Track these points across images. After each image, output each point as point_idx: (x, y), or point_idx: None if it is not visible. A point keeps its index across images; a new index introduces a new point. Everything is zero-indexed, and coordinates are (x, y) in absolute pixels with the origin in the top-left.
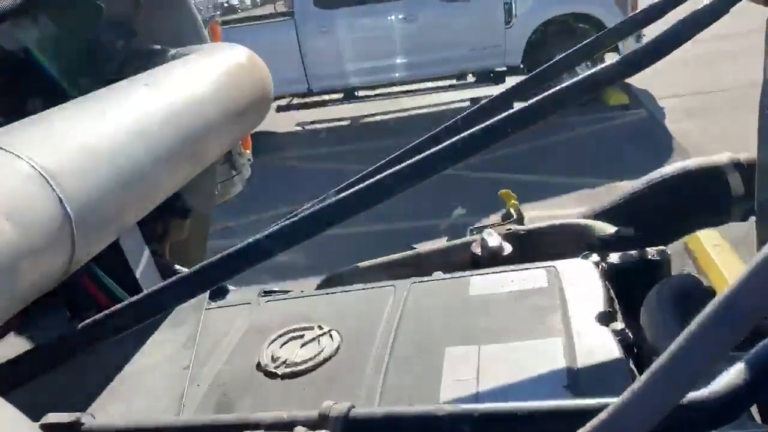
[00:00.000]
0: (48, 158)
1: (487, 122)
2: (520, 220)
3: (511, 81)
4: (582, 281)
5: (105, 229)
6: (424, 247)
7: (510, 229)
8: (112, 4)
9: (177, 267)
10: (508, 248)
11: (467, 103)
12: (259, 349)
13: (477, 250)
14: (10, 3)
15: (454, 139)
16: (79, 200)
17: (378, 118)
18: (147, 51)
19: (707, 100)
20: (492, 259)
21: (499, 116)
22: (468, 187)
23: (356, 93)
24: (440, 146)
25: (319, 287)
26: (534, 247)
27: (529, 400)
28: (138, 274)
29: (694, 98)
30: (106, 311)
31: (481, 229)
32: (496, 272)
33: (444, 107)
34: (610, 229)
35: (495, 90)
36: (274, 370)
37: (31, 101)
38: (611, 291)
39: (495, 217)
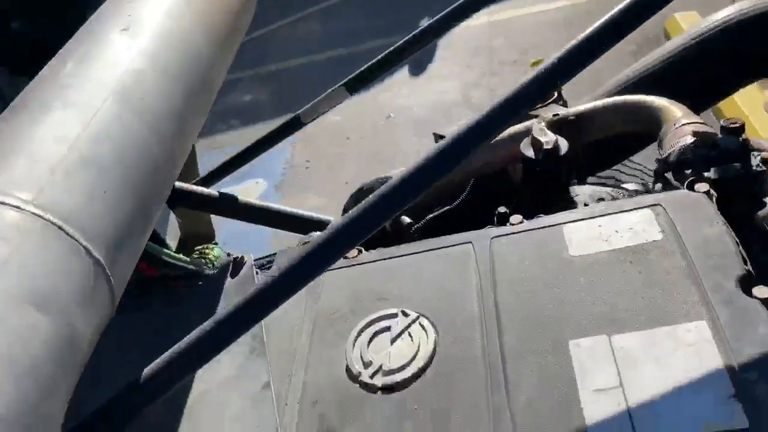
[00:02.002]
0: (49, 193)
1: None
2: (560, 96)
3: None
4: (701, 226)
5: (136, 245)
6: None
7: (557, 114)
8: None
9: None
10: (564, 145)
11: None
12: (341, 348)
13: (528, 151)
14: None
15: None
16: (103, 234)
17: None
18: None
19: None
20: (547, 161)
21: None
22: None
23: None
24: None
25: (349, 202)
26: (586, 133)
27: (693, 424)
28: None
29: None
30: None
31: None
32: (592, 216)
33: None
34: (678, 112)
35: None
36: (370, 381)
37: None
38: (734, 234)
39: None
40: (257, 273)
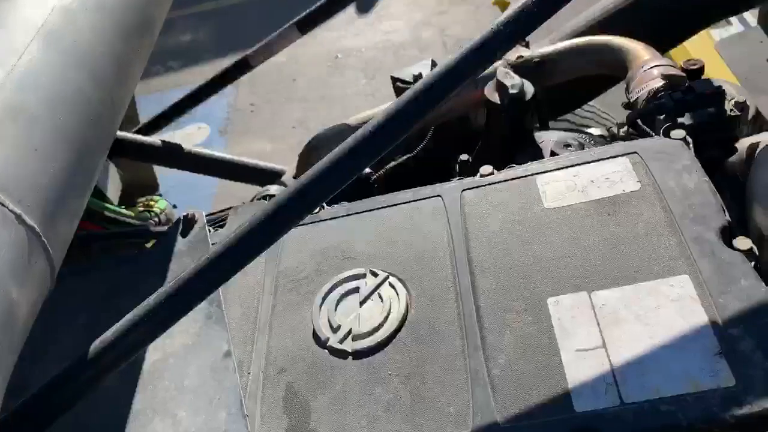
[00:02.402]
0: None
1: None
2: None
3: None
4: (680, 175)
5: (75, 207)
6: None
7: (521, 57)
8: None
9: None
10: (530, 89)
11: None
12: (306, 311)
13: (493, 96)
14: None
15: None
16: (36, 197)
17: None
18: None
19: None
20: (513, 106)
21: None
22: None
23: None
24: None
25: (304, 153)
26: (550, 76)
27: (679, 383)
28: None
29: None
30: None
31: None
32: (568, 165)
33: None
34: (645, 54)
35: None
36: (340, 346)
37: None
38: (712, 183)
39: None
40: (210, 231)
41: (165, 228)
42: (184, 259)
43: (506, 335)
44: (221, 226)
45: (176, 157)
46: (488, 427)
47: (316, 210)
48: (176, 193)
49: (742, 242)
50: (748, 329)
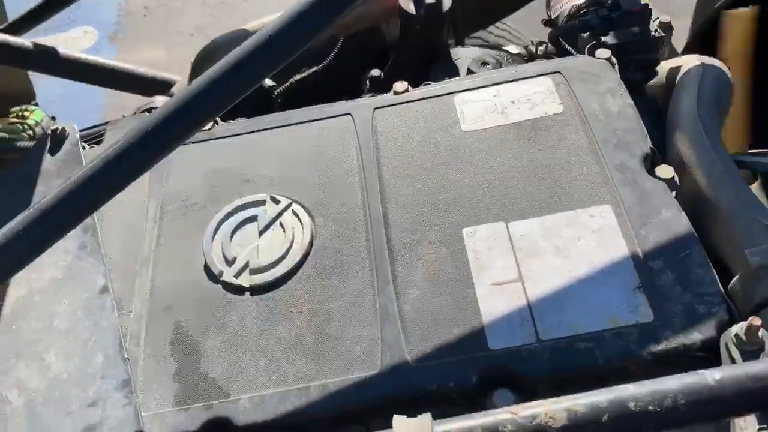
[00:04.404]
0: None
1: None
2: None
3: None
4: (604, 98)
5: None
6: None
7: None
8: None
9: None
10: (447, 1)
11: None
12: (197, 242)
13: (408, 6)
14: None
15: None
16: None
17: None
18: None
19: None
20: (429, 18)
21: None
22: None
23: None
24: None
25: (197, 61)
26: None
27: (597, 319)
28: None
29: None
30: None
31: None
32: (488, 84)
33: None
34: None
35: None
36: (236, 281)
37: None
38: (636, 109)
39: None
40: (84, 148)
41: (33, 144)
42: (53, 180)
43: (418, 268)
44: (98, 143)
45: (51, 61)
46: (398, 367)
47: (209, 126)
48: (58, 105)
49: (665, 170)
50: (668, 262)
